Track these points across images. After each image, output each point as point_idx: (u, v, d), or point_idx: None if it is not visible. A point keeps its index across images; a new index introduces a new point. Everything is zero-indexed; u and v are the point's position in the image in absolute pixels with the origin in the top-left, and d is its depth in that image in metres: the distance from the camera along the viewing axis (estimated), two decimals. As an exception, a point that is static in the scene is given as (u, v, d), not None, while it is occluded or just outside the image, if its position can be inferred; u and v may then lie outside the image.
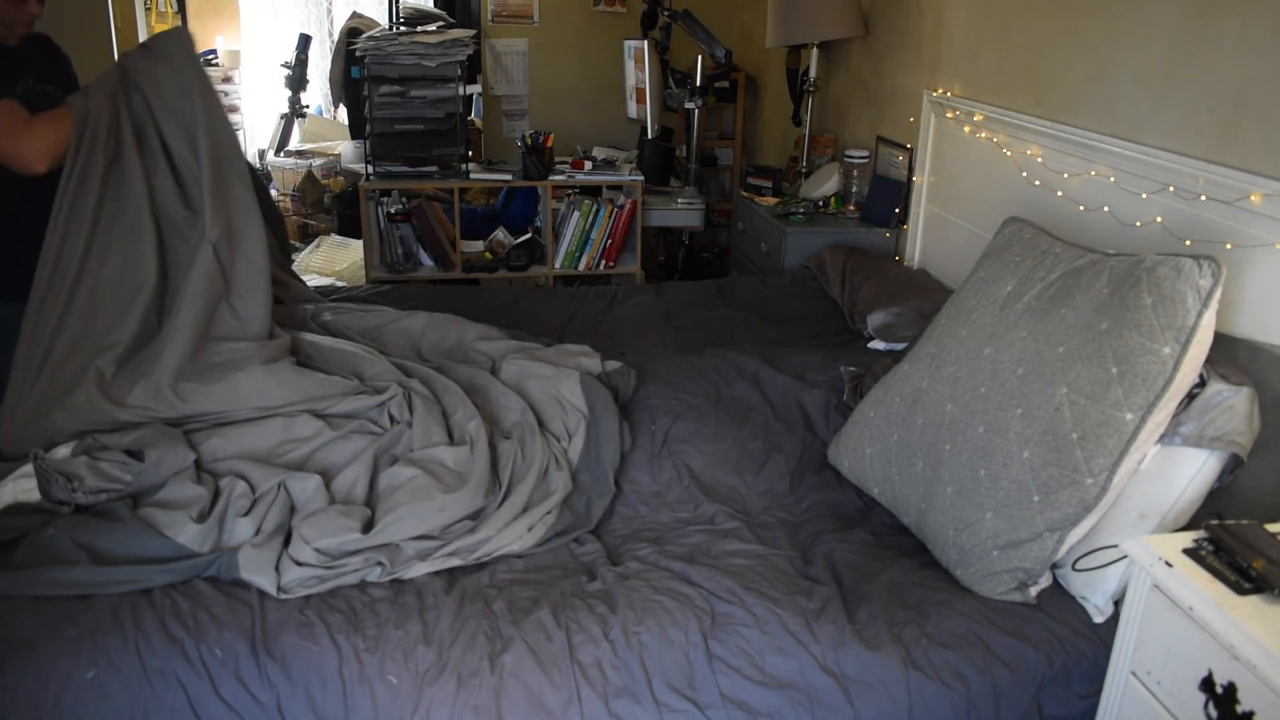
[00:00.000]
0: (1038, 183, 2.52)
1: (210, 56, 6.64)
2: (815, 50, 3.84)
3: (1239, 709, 1.17)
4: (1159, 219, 2.07)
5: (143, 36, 4.58)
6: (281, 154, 6.03)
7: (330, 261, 4.85)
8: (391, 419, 2.01)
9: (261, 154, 6.52)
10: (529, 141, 3.73)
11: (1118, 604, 1.61)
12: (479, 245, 3.93)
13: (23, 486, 1.73)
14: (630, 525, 1.92)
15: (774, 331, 2.88)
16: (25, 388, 1.90)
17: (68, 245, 1.98)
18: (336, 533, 1.68)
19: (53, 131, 2.00)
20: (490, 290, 3.24)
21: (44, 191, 2.02)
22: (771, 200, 3.78)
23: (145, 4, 6.03)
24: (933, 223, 3.17)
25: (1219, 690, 1.20)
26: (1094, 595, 1.64)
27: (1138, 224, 2.13)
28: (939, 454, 1.78)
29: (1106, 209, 2.25)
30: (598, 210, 3.78)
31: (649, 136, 4.20)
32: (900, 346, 2.52)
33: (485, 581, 1.67)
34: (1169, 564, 1.29)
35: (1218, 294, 1.54)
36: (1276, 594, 1.21)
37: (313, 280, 4.28)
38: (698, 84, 4.17)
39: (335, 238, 5.14)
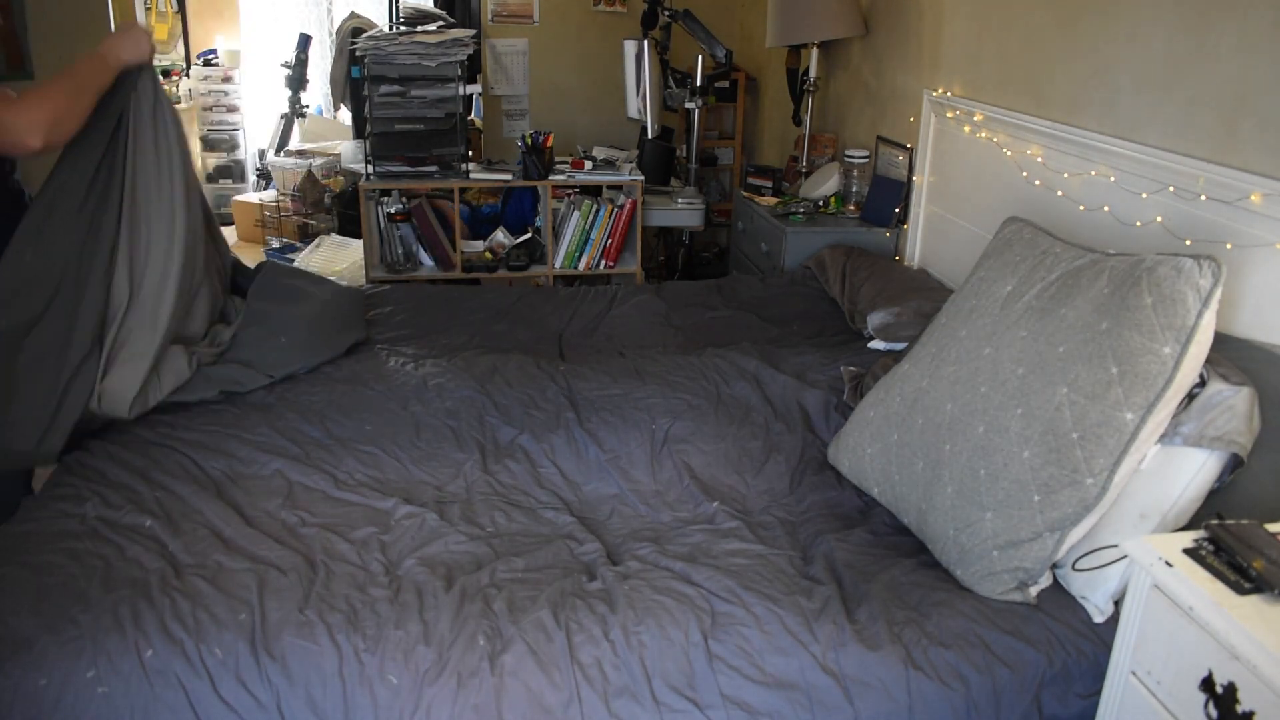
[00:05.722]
0: (1038, 183, 2.52)
1: (210, 56, 6.64)
2: (815, 50, 3.84)
3: (1239, 709, 1.17)
4: (1159, 219, 2.07)
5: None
6: (281, 154, 6.03)
7: (330, 261, 4.85)
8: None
9: (261, 154, 6.52)
10: (529, 141, 3.73)
11: (1118, 604, 1.61)
12: (479, 245, 3.93)
13: None
14: (630, 525, 1.92)
15: (774, 331, 2.88)
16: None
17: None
18: None
19: (43, 106, 1.85)
20: (490, 290, 3.24)
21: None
22: (771, 200, 3.78)
23: (145, 4, 6.04)
24: (933, 222, 3.17)
25: (1219, 690, 1.20)
26: (1094, 595, 1.63)
27: (1138, 224, 2.13)
28: (939, 454, 1.77)
29: (1106, 209, 2.24)
30: (598, 210, 3.78)
31: (649, 136, 4.20)
32: (900, 346, 2.52)
33: (485, 581, 1.67)
34: (1169, 564, 1.29)
35: (1218, 294, 1.54)
36: (1276, 594, 1.21)
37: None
38: (698, 84, 4.16)
39: (335, 238, 5.15)
